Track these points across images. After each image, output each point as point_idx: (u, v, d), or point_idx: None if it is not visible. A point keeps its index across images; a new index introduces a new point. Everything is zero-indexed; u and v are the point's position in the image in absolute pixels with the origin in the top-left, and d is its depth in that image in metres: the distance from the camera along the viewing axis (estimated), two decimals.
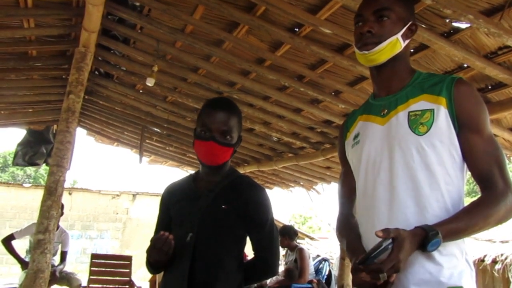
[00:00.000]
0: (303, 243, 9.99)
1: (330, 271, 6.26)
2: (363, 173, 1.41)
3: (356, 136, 1.48)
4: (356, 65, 3.35)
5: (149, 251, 1.68)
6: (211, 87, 4.54)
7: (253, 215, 1.73)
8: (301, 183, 7.96)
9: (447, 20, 2.78)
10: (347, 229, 1.48)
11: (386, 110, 1.41)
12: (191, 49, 4.00)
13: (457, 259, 1.25)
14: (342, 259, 5.40)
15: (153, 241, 1.65)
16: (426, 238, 1.16)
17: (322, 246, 10.15)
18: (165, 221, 1.88)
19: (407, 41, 1.42)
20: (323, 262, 6.31)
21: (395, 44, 1.38)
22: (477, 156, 1.29)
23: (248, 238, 1.81)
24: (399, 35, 1.38)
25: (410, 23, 1.42)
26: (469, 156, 1.30)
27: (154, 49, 4.06)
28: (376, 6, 1.40)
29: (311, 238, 12.45)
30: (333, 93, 4.20)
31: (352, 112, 1.66)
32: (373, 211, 1.34)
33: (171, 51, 4.10)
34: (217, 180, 1.79)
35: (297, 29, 3.28)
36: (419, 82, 1.40)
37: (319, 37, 3.28)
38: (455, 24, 2.81)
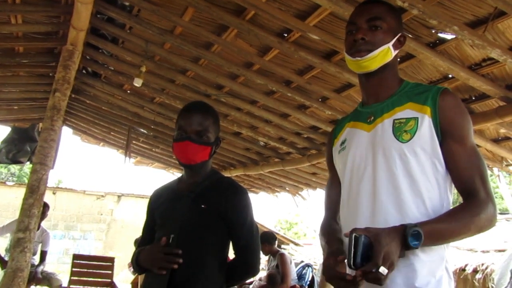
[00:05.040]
0: (287, 249, 9.98)
1: (313, 277, 6.28)
2: (348, 178, 1.43)
3: (343, 142, 1.50)
4: (343, 72, 3.38)
5: (146, 257, 1.71)
6: (199, 89, 4.54)
7: (232, 215, 1.75)
8: (287, 189, 7.98)
9: (433, 31, 2.82)
10: (329, 232, 1.50)
11: (372, 117, 1.43)
12: (179, 51, 3.99)
13: (436, 265, 1.26)
14: None
15: (158, 251, 1.67)
16: (405, 231, 1.17)
17: (306, 252, 10.14)
18: (150, 224, 1.91)
19: (396, 51, 1.45)
20: (306, 268, 6.33)
21: (386, 53, 1.40)
22: (459, 166, 1.30)
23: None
24: (390, 45, 1.40)
25: (399, 34, 1.45)
26: (451, 166, 1.31)
27: (143, 50, 4.05)
28: (369, 15, 1.42)
29: (296, 244, 12.43)
30: (320, 99, 4.22)
31: (340, 120, 1.68)
32: (356, 215, 1.36)
33: (160, 52, 4.09)
34: (198, 181, 1.82)
35: (285, 35, 3.30)
36: (406, 91, 1.43)
37: (307, 43, 3.30)
38: (441, 35, 2.85)
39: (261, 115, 4.85)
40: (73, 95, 5.51)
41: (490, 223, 1.26)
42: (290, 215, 28.74)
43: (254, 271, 1.82)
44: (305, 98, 4.11)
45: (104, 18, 3.87)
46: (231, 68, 3.90)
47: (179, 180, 1.92)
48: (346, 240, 1.38)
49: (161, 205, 1.87)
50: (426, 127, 1.31)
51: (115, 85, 5.33)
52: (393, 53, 1.43)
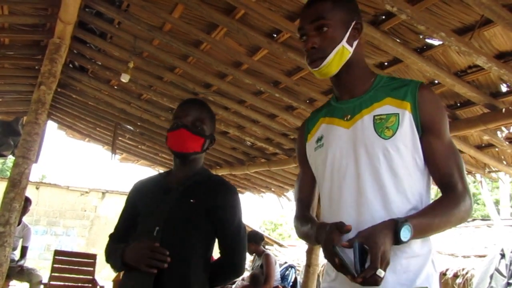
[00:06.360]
0: (271, 250, 10.00)
1: (296, 278, 6.30)
2: (328, 177, 1.40)
3: (320, 139, 1.47)
4: None
5: (132, 254, 1.65)
6: (187, 87, 4.52)
7: (220, 213, 1.73)
8: (273, 189, 7.98)
9: (421, 36, 2.85)
10: (310, 218, 1.46)
11: (349, 115, 1.41)
12: (168, 47, 3.97)
13: (423, 260, 1.28)
14: (308, 266, 5.43)
15: (146, 247, 1.62)
16: (396, 226, 1.16)
17: (290, 253, 10.16)
18: (128, 216, 1.86)
19: (355, 43, 1.40)
20: (290, 269, 6.35)
21: (342, 52, 1.36)
22: (439, 160, 1.32)
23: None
24: (344, 42, 1.35)
25: (353, 23, 1.39)
26: (431, 160, 1.33)
27: (131, 46, 4.01)
28: (311, 17, 1.37)
29: (280, 245, 12.45)
30: (307, 101, 4.23)
31: (312, 114, 1.63)
32: (341, 215, 1.32)
33: (148, 48, 4.05)
34: (188, 175, 1.80)
35: (275, 35, 3.30)
36: (382, 85, 1.41)
37: (296, 44, 3.30)
38: (428, 41, 2.88)
39: (248, 115, 4.85)
40: (59, 89, 5.45)
41: (467, 214, 1.30)
42: (275, 216, 28.79)
43: (239, 271, 1.80)
44: (292, 99, 4.11)
45: (92, 12, 3.83)
46: (220, 67, 3.89)
47: (168, 173, 1.91)
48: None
49: (145, 197, 1.83)
50: (407, 122, 1.31)
51: (102, 80, 5.27)
52: (351, 48, 1.38)
